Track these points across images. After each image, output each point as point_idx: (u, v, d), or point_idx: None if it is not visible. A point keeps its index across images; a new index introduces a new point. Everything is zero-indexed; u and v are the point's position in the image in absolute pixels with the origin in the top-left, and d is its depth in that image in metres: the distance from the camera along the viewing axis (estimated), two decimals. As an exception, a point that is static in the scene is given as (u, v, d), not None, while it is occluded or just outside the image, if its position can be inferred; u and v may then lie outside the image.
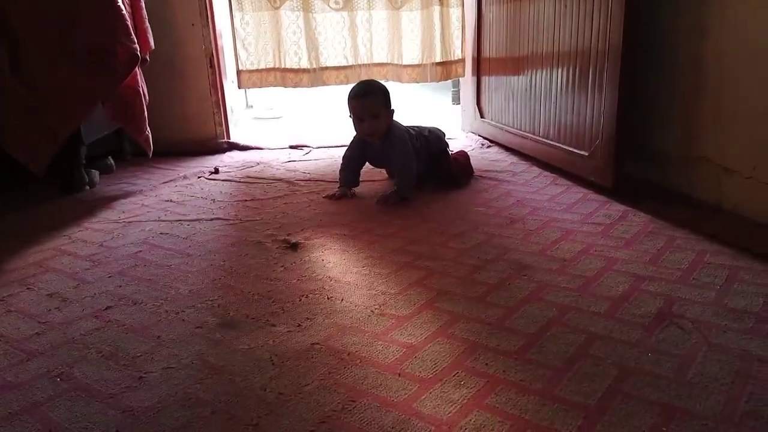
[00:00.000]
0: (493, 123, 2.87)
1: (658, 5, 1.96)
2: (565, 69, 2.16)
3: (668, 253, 1.53)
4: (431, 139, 2.25)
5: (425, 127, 2.28)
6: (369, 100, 2.07)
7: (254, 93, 4.59)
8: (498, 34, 2.72)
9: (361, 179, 2.26)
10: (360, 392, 1.02)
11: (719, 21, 1.76)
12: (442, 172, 2.24)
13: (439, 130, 2.32)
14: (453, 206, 2.02)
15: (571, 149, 2.18)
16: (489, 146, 2.85)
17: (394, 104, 2.14)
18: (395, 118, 2.15)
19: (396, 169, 2.15)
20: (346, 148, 2.26)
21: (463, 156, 2.35)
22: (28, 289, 1.50)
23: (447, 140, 2.37)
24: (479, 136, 3.02)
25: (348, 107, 2.12)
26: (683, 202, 1.89)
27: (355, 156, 2.22)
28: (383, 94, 2.10)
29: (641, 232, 1.68)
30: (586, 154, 2.08)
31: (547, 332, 1.18)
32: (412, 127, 2.23)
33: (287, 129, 3.66)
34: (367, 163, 2.27)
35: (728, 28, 1.73)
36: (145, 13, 2.46)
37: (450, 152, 2.35)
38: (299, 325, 1.25)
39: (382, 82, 3.23)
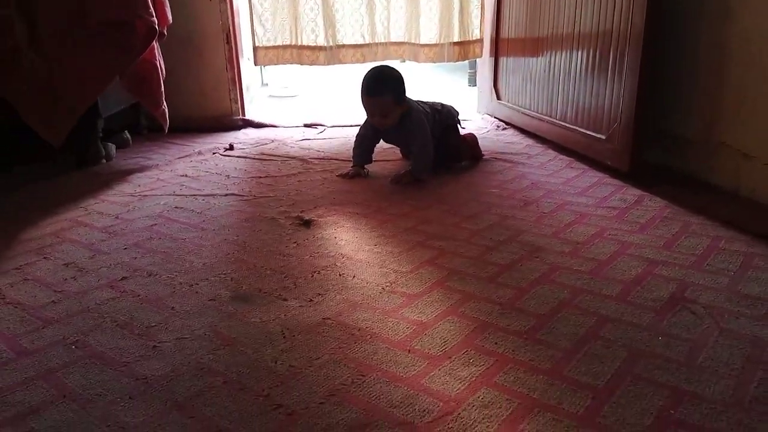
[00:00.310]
0: (509, 105, 2.84)
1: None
2: (584, 51, 2.13)
3: (683, 238, 1.52)
4: (443, 113, 2.23)
5: (438, 102, 2.27)
6: (379, 101, 2.04)
7: (269, 71, 4.57)
8: (518, 14, 2.68)
9: (374, 159, 2.25)
10: (370, 367, 1.03)
11: (742, 9, 1.72)
12: (450, 148, 2.23)
13: (453, 108, 2.31)
14: (466, 187, 2.01)
15: (588, 132, 2.16)
16: (505, 128, 2.83)
17: (409, 88, 2.11)
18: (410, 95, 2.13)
19: (414, 151, 2.13)
20: (359, 126, 2.25)
21: (471, 138, 2.34)
22: (44, 258, 1.53)
23: (460, 119, 2.35)
24: (495, 118, 3.00)
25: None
26: (700, 188, 1.87)
27: (368, 134, 2.21)
28: (394, 91, 2.04)
29: (656, 217, 1.66)
30: (604, 137, 2.05)
31: (557, 314, 1.18)
32: (426, 103, 2.21)
33: (302, 107, 3.65)
34: (381, 141, 2.26)
35: (752, 15, 1.69)
36: (163, -14, 2.45)
37: (461, 130, 2.34)
38: (311, 300, 1.26)
39: (398, 62, 3.18)
